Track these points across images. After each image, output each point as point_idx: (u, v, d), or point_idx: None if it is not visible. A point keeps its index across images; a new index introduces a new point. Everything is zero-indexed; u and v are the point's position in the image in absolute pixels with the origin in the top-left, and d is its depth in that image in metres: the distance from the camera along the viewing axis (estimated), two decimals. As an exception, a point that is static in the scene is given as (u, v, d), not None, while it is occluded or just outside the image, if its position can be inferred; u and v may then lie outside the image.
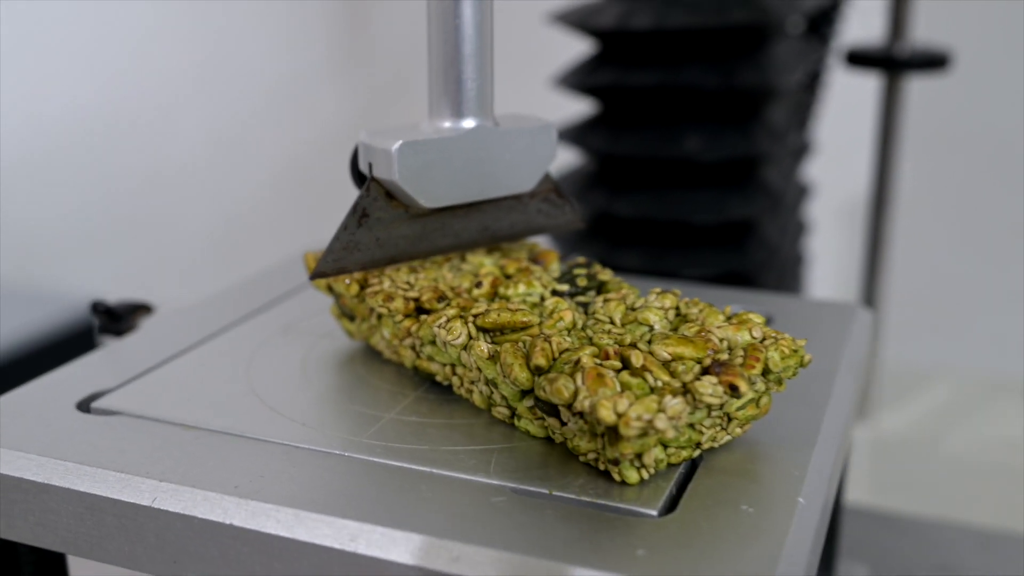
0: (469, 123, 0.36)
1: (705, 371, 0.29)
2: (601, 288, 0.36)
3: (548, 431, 0.31)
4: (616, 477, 0.29)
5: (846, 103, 0.68)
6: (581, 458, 0.30)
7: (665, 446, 0.29)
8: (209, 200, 1.01)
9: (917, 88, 0.68)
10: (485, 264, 0.38)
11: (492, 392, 0.32)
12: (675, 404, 0.27)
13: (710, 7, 0.55)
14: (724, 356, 0.29)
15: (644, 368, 0.29)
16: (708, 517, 0.27)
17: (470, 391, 0.34)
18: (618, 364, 0.29)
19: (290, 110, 0.94)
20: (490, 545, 0.26)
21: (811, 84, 0.64)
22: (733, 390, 0.28)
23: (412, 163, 0.35)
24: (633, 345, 0.30)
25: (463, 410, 0.34)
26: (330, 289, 0.39)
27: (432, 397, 0.35)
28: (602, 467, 0.29)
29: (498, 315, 0.32)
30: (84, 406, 0.34)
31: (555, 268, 0.38)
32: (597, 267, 0.37)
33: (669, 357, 0.30)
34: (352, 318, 0.38)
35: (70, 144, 1.05)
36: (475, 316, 0.33)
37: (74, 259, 1.09)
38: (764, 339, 0.31)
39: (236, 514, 0.28)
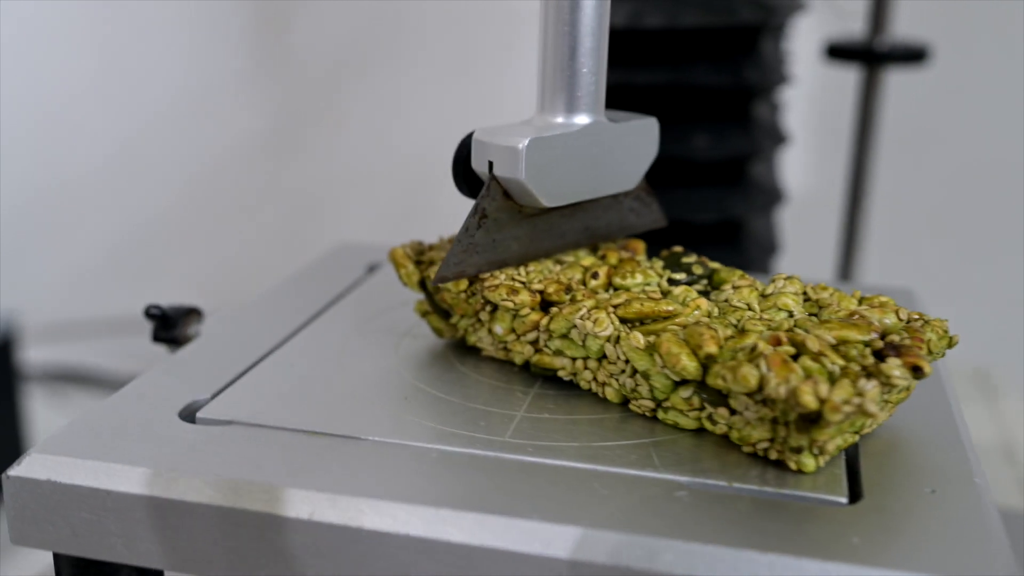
0: (583, 118, 0.34)
1: (875, 354, 0.29)
2: (712, 276, 0.35)
3: (703, 422, 0.30)
4: (792, 466, 0.28)
5: (826, 95, 0.70)
6: (745, 448, 0.29)
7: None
8: (113, 212, 0.94)
9: (895, 81, 0.70)
10: (580, 257, 0.37)
11: (637, 385, 0.31)
12: (872, 388, 0.27)
13: (720, 6, 0.55)
14: (896, 338, 0.29)
15: (820, 353, 0.28)
16: (899, 501, 0.27)
17: (605, 385, 0.33)
18: (792, 350, 0.28)
19: (200, 119, 0.89)
20: (697, 540, 0.25)
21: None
22: (916, 371, 0.28)
23: (538, 160, 0.33)
24: (791, 330, 0.30)
25: (588, 405, 0.33)
26: (421, 285, 0.37)
27: (551, 393, 0.34)
28: (773, 456, 0.29)
29: (641, 305, 0.31)
30: (188, 417, 0.32)
31: (643, 257, 0.37)
32: (702, 257, 0.36)
33: (835, 341, 0.29)
34: (447, 315, 0.37)
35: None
36: (615, 307, 0.32)
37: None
38: (909, 320, 0.31)
39: (410, 523, 0.27)
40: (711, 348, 0.29)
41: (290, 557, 0.27)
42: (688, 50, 0.55)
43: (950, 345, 0.31)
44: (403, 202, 0.88)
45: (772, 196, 0.60)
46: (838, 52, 0.68)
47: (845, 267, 0.70)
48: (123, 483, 0.28)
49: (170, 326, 0.39)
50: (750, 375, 0.28)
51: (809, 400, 0.26)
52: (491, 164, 0.34)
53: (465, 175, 0.35)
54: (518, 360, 0.35)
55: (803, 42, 0.67)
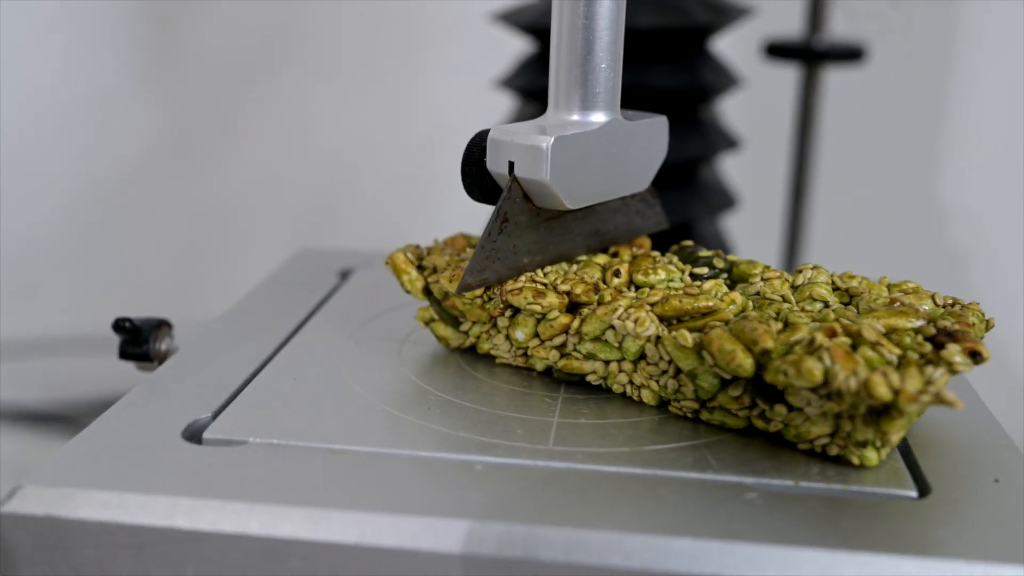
0: (600, 116, 0.33)
1: (928, 340, 0.28)
2: (731, 270, 0.34)
3: (754, 420, 0.29)
4: (855, 460, 0.28)
5: (766, 94, 0.70)
6: (801, 445, 0.28)
7: (893, 424, 0.28)
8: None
9: (834, 79, 0.71)
10: (593, 255, 0.35)
11: (680, 385, 0.30)
12: (940, 375, 0.26)
13: (673, 7, 0.55)
14: (947, 324, 0.29)
15: (877, 343, 0.27)
16: (968, 493, 0.27)
17: (642, 387, 0.31)
18: (848, 340, 0.28)
19: (90, 128, 0.82)
20: (786, 543, 0.24)
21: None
22: (974, 356, 0.27)
23: (562, 160, 0.31)
24: (837, 320, 0.29)
25: (620, 408, 0.31)
26: (426, 292, 0.35)
27: (579, 398, 0.32)
28: (834, 451, 0.28)
29: (680, 302, 0.30)
30: (193, 438, 0.29)
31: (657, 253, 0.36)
32: (718, 251, 0.35)
33: (884, 330, 0.29)
34: (457, 323, 0.34)
35: None
36: (651, 305, 0.30)
37: None
38: (944, 306, 0.31)
39: (483, 543, 0.24)
40: (767, 343, 0.28)
41: (337, 587, 0.25)
42: (642, 51, 0.54)
43: (987, 328, 0.31)
44: (315, 207, 0.84)
45: (725, 199, 0.60)
46: (777, 51, 0.69)
47: (788, 266, 0.70)
48: (140, 515, 0.25)
49: (141, 341, 0.36)
50: (815, 369, 0.26)
51: (884, 392, 0.25)
52: (511, 165, 0.32)
53: (478, 177, 0.33)
54: (539, 367, 0.33)
55: (733, 42, 0.67)
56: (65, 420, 0.76)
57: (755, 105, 0.71)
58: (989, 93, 0.76)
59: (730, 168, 0.67)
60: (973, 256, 0.81)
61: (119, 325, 0.36)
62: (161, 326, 0.37)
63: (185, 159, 0.82)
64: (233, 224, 0.84)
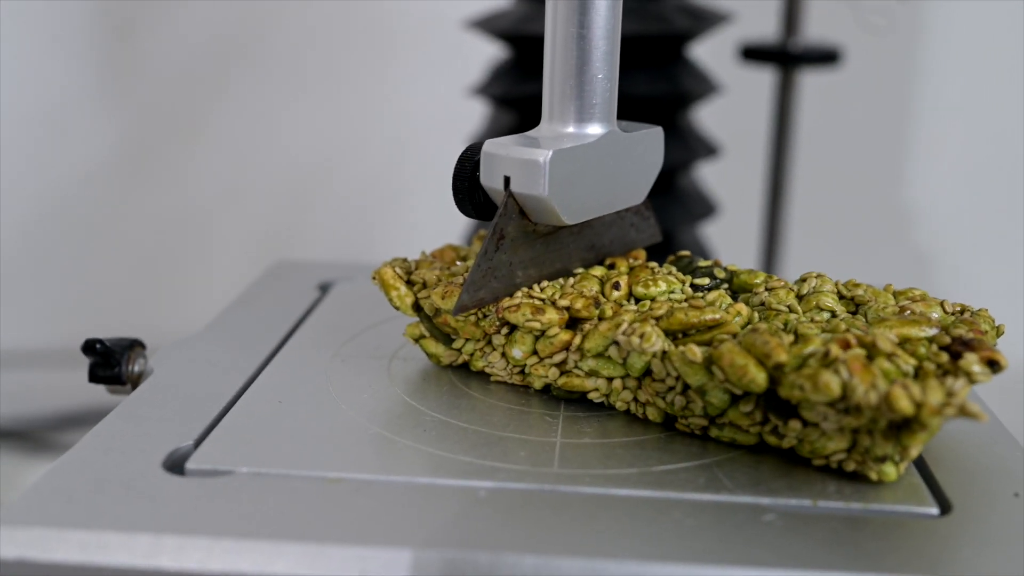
0: (596, 128, 0.31)
1: (943, 349, 0.27)
2: (732, 279, 0.33)
3: (766, 437, 0.28)
4: (873, 476, 0.27)
5: (740, 98, 0.70)
6: (817, 461, 0.27)
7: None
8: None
9: (810, 82, 0.70)
10: (589, 268, 0.34)
11: (689, 402, 0.29)
12: (961, 387, 0.25)
13: (653, 15, 0.54)
14: (961, 332, 0.28)
15: (893, 354, 0.26)
16: (990, 509, 0.26)
17: (647, 404, 0.30)
18: (863, 352, 0.26)
19: (46, 139, 0.79)
20: (811, 568, 0.23)
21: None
22: (992, 365, 0.27)
23: (559, 175, 0.30)
24: (848, 331, 0.28)
25: (623, 426, 0.30)
26: (416, 308, 0.33)
27: (580, 415, 0.31)
28: (851, 467, 0.27)
29: (685, 315, 0.29)
30: (175, 468, 0.27)
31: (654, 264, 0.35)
32: (716, 260, 0.34)
33: (897, 340, 0.28)
34: (449, 340, 0.33)
35: None
36: (656, 319, 0.29)
37: None
38: (953, 313, 0.30)
39: (494, 573, 0.23)
40: (781, 357, 0.26)
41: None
42: (622, 59, 0.53)
43: (999, 334, 0.30)
44: (283, 216, 0.82)
45: (705, 207, 0.59)
46: (753, 54, 0.68)
47: (767, 269, 0.70)
48: (121, 555, 0.23)
49: (113, 363, 0.34)
50: (832, 383, 0.25)
51: (906, 405, 0.24)
52: (507, 180, 0.30)
53: (470, 192, 0.31)
54: (537, 384, 0.32)
55: (709, 46, 0.66)
56: (23, 436, 0.74)
57: (731, 109, 0.70)
58: (955, 97, 0.76)
59: (707, 173, 0.66)
60: (938, 257, 0.81)
61: (89, 346, 0.34)
62: (134, 346, 0.35)
63: (146, 169, 0.80)
64: (198, 235, 0.81)
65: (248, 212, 0.81)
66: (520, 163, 0.30)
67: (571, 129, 0.31)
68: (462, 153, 0.31)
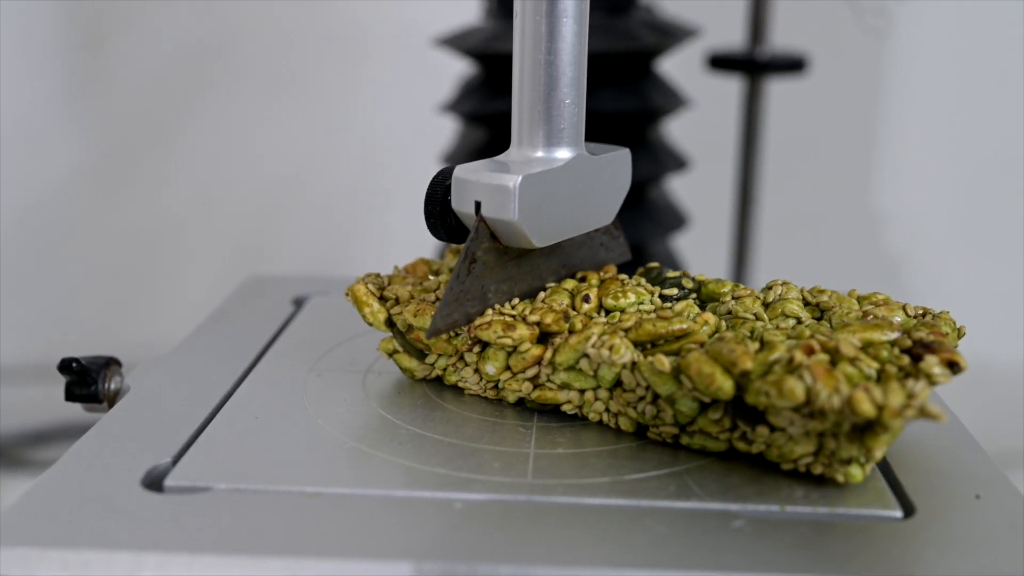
0: (565, 152, 0.32)
1: (905, 352, 0.28)
2: (700, 289, 0.34)
3: (735, 443, 0.29)
4: (839, 478, 0.27)
5: (708, 107, 0.71)
6: (785, 465, 0.28)
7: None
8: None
9: (777, 90, 0.72)
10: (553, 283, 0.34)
11: (659, 411, 0.29)
12: (922, 388, 0.26)
13: (621, 32, 0.54)
14: (926, 336, 0.28)
15: (855, 358, 0.27)
16: (952, 511, 0.27)
17: (619, 415, 0.30)
18: (827, 357, 0.27)
19: (14, 154, 0.78)
20: (780, 572, 0.24)
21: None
22: (952, 367, 0.27)
23: (529, 199, 0.31)
24: (812, 337, 0.29)
25: (596, 435, 0.31)
26: (389, 324, 0.34)
27: (553, 426, 0.31)
28: (818, 470, 0.28)
29: (653, 326, 0.29)
30: (154, 486, 0.27)
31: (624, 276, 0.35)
32: (685, 270, 0.35)
33: (860, 344, 0.28)
34: (422, 355, 0.33)
35: None
36: (625, 330, 0.30)
37: None
38: (915, 316, 0.31)
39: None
40: (746, 364, 0.27)
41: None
42: (591, 76, 0.54)
43: (960, 336, 0.31)
44: (253, 230, 0.82)
45: (676, 219, 0.59)
46: (720, 63, 0.69)
47: (738, 277, 0.71)
48: (104, 573, 0.24)
49: (89, 381, 0.34)
50: (796, 388, 0.26)
51: (867, 408, 0.25)
52: (478, 204, 0.31)
53: (442, 216, 0.32)
54: (511, 398, 0.32)
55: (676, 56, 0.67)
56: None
57: (699, 119, 0.71)
58: (922, 102, 0.78)
59: (677, 185, 0.67)
60: (906, 261, 0.83)
61: (65, 365, 0.34)
62: (110, 364, 0.35)
63: (118, 184, 0.79)
64: (171, 249, 0.81)
65: (221, 226, 0.81)
66: (490, 188, 0.30)
67: (540, 154, 0.32)
68: (433, 178, 0.32)
